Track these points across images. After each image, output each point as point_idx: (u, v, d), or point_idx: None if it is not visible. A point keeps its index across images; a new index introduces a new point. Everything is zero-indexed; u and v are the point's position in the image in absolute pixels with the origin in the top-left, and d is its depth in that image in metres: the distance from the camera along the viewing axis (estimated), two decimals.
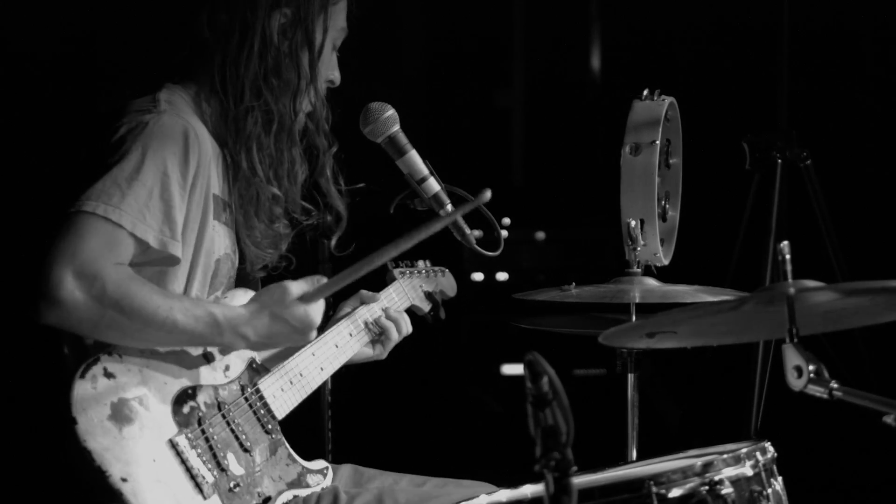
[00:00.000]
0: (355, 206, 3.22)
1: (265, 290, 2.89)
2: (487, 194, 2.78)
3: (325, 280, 2.87)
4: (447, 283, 3.63)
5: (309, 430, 3.78)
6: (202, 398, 2.88)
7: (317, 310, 2.86)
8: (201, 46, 3.00)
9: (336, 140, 3.15)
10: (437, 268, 3.60)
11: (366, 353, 3.31)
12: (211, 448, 2.84)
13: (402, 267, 3.45)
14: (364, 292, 3.31)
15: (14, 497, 3.45)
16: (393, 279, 3.41)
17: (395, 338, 3.31)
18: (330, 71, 3.11)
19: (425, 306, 3.51)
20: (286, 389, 3.06)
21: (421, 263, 3.54)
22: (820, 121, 4.94)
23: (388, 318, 3.30)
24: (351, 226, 3.20)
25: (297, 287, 2.85)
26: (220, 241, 3.00)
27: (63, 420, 2.68)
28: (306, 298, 2.84)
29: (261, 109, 3.00)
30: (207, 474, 2.81)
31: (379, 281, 3.38)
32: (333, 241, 3.18)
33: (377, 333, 3.29)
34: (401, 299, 3.40)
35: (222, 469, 2.85)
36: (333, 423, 4.04)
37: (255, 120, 2.99)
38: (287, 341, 2.91)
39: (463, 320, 3.73)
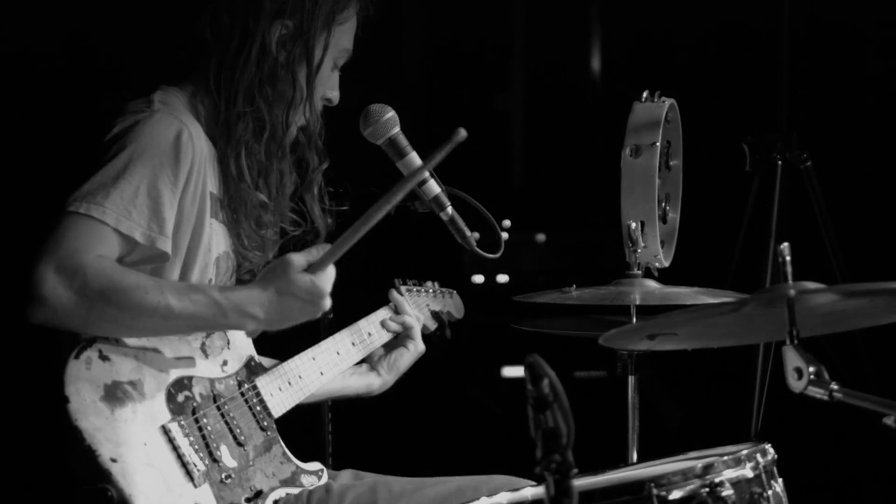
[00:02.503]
0: (356, 207, 3.22)
1: (269, 267, 2.83)
2: (462, 133, 2.68)
3: (328, 247, 2.80)
4: (455, 305, 3.64)
5: (309, 433, 3.78)
6: (198, 389, 2.88)
7: (325, 278, 2.78)
8: (201, 46, 3.01)
9: (327, 157, 3.15)
10: (445, 289, 3.61)
11: (370, 382, 3.34)
12: (204, 438, 2.85)
13: (409, 285, 3.46)
14: (394, 295, 3.36)
15: (6, 474, 3.45)
16: (400, 296, 3.41)
17: (418, 332, 3.34)
18: (328, 89, 3.10)
19: (431, 325, 3.52)
20: (284, 389, 3.07)
21: (429, 283, 3.55)
22: (820, 122, 4.94)
23: (409, 315, 3.33)
24: (337, 225, 3.20)
25: (300, 258, 2.77)
26: (218, 239, 3.01)
27: (55, 399, 2.69)
28: (313, 269, 2.77)
29: (253, 116, 2.99)
30: (199, 463, 2.81)
31: (386, 298, 3.38)
32: None
33: (399, 330, 3.33)
34: (406, 315, 3.41)
35: (214, 459, 2.85)
36: (333, 427, 4.04)
37: (246, 125, 2.99)
38: (301, 315, 2.81)
39: (463, 322, 3.72)
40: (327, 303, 2.81)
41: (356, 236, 2.74)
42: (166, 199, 2.81)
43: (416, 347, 3.36)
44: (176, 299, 2.73)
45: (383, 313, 3.36)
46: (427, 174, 3.16)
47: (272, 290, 2.77)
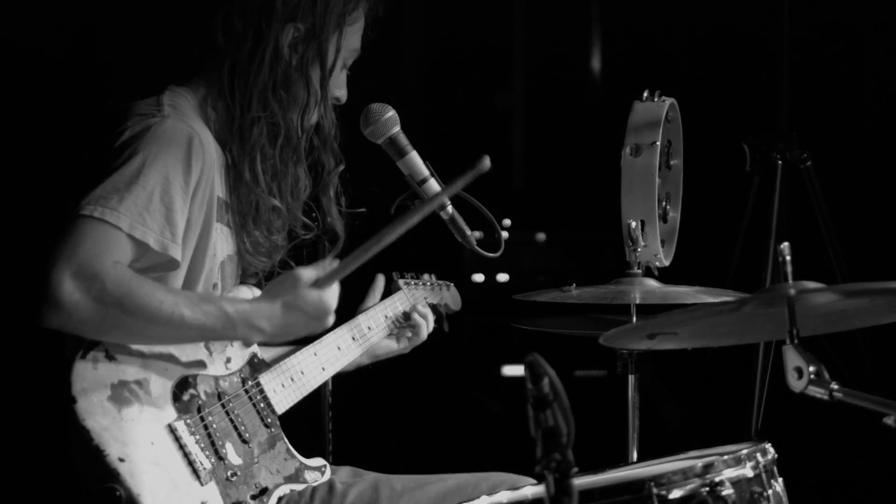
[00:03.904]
0: (356, 207, 3.22)
1: (277, 280, 2.87)
2: (487, 162, 2.73)
3: (336, 263, 2.84)
4: (452, 297, 3.64)
5: (310, 431, 3.78)
6: (203, 387, 2.88)
7: (331, 294, 2.83)
8: (213, 49, 2.99)
9: (343, 159, 3.15)
10: (442, 281, 3.61)
11: (391, 347, 3.35)
12: (210, 436, 2.85)
13: (407, 278, 3.47)
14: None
15: (13, 475, 3.46)
16: (398, 289, 3.42)
17: (424, 334, 3.35)
18: (337, 89, 3.09)
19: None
20: (287, 386, 3.07)
21: (426, 276, 3.55)
22: (820, 122, 4.94)
23: (419, 314, 3.34)
24: (352, 227, 3.20)
25: (308, 273, 2.81)
26: (222, 243, 3.00)
27: (62, 399, 2.69)
28: (319, 284, 2.81)
29: (267, 121, 2.98)
30: (205, 461, 2.81)
31: (386, 293, 3.39)
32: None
33: (408, 327, 3.35)
34: (404, 309, 3.41)
35: (220, 457, 2.85)
36: (334, 425, 4.04)
37: (260, 130, 2.98)
38: (305, 329, 2.86)
39: (463, 321, 3.73)
40: (331, 319, 2.86)
41: (365, 256, 2.77)
42: (178, 205, 2.81)
43: (402, 347, 3.37)
44: (189, 310, 2.74)
45: (382, 307, 3.36)
46: (427, 173, 3.17)
47: (279, 303, 2.80)
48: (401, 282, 3.44)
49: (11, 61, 4.05)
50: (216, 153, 2.95)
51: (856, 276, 4.29)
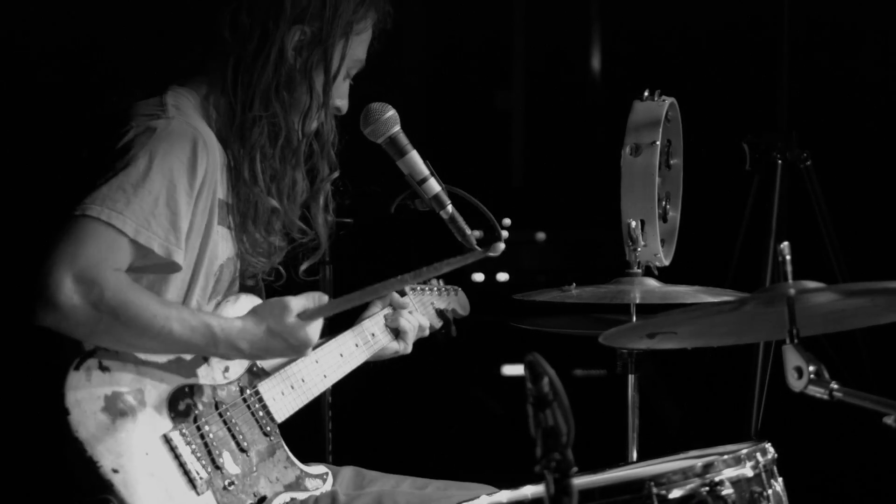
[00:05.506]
0: (356, 206, 3.22)
1: (265, 304, 2.89)
2: (501, 246, 2.80)
3: (326, 299, 2.88)
4: (459, 302, 3.63)
5: (310, 431, 3.78)
6: (199, 397, 2.88)
7: (314, 328, 2.87)
8: (218, 45, 2.98)
9: (338, 167, 3.15)
10: (450, 286, 3.60)
11: (392, 348, 3.33)
12: (206, 445, 2.84)
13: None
14: (395, 296, 3.34)
15: (6, 488, 3.45)
16: (404, 294, 3.41)
17: (410, 341, 3.34)
18: (339, 98, 3.09)
19: (436, 323, 3.52)
20: (287, 394, 3.06)
21: (434, 281, 3.54)
22: (820, 122, 4.94)
23: (407, 320, 3.33)
24: (352, 226, 3.20)
25: (297, 304, 2.86)
26: (223, 245, 3.00)
27: (56, 411, 2.69)
28: (305, 316, 2.85)
29: (268, 121, 2.98)
30: (201, 471, 2.81)
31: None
32: (304, 266, 3.17)
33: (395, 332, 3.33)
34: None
35: (217, 467, 2.85)
36: (334, 425, 4.04)
37: (261, 130, 2.98)
38: (281, 355, 2.94)
39: (463, 321, 3.73)
40: (309, 353, 2.93)
41: (356, 301, 2.86)
42: (182, 209, 2.80)
43: (397, 350, 3.37)
44: (178, 325, 2.76)
45: (387, 312, 3.35)
46: (427, 172, 3.16)
47: (264, 327, 2.84)
48: (407, 287, 3.43)
49: (12, 60, 4.05)
50: (220, 154, 2.95)
51: (856, 276, 4.29)
